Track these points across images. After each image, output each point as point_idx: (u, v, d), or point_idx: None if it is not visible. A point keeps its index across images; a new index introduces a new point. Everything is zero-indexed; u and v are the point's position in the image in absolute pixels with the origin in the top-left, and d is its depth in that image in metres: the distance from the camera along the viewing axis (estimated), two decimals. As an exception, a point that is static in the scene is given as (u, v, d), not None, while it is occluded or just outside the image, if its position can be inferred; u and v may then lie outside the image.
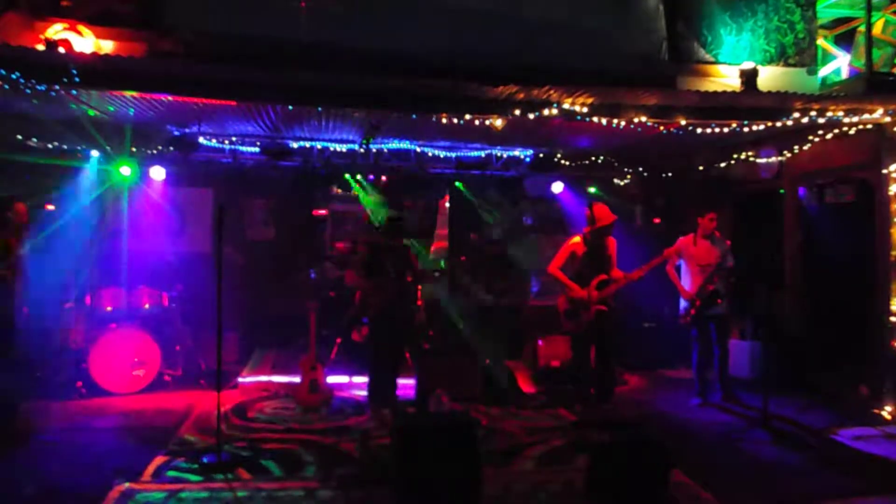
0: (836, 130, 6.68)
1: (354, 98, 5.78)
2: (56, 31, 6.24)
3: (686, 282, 6.92)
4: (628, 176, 9.52)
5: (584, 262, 6.34)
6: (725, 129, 6.53)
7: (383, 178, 9.07)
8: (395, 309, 6.60)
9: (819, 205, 7.76)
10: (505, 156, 8.77)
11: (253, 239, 9.34)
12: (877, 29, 7.51)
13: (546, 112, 5.90)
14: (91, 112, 6.28)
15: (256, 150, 8.07)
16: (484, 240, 9.84)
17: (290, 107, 6.03)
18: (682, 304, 6.90)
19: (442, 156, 8.55)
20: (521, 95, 5.68)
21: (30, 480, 4.55)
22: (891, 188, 6.48)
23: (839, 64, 7.96)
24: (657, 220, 9.71)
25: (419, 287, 7.49)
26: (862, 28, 7.31)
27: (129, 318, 7.36)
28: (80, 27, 6.35)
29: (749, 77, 6.92)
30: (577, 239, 6.44)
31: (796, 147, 7.33)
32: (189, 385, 7.39)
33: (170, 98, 5.71)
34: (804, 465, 5.19)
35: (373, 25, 6.72)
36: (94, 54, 5.99)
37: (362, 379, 7.19)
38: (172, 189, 8.58)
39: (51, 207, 7.82)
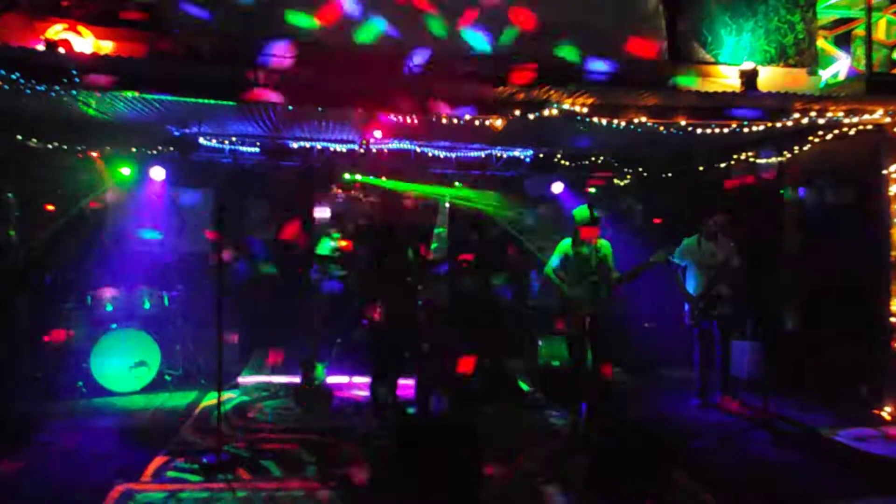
0: (836, 131, 6.66)
1: (353, 97, 5.78)
2: (56, 31, 6.21)
3: (690, 283, 6.91)
4: (628, 176, 9.51)
5: (575, 263, 6.31)
6: (725, 130, 6.52)
7: None
8: (396, 309, 6.58)
9: (819, 205, 7.75)
10: (505, 156, 8.76)
11: (253, 239, 9.33)
12: (880, 30, 7.50)
13: (546, 112, 5.90)
14: (91, 112, 6.28)
15: (256, 150, 8.07)
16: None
17: (290, 107, 6.03)
18: (686, 304, 6.90)
19: (441, 156, 8.54)
20: (521, 96, 5.67)
21: (30, 480, 4.56)
22: (891, 189, 6.48)
23: (840, 65, 7.95)
24: (657, 220, 9.70)
25: (419, 287, 7.48)
26: (862, 30, 7.31)
27: (130, 318, 7.36)
28: (80, 27, 6.34)
29: (749, 77, 6.90)
30: (567, 240, 6.39)
31: (796, 147, 7.32)
32: (189, 385, 7.39)
33: (170, 98, 5.71)
34: (804, 466, 5.19)
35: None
36: (94, 55, 5.98)
37: (362, 379, 7.19)
38: (172, 189, 8.58)
39: (51, 207, 7.82)
